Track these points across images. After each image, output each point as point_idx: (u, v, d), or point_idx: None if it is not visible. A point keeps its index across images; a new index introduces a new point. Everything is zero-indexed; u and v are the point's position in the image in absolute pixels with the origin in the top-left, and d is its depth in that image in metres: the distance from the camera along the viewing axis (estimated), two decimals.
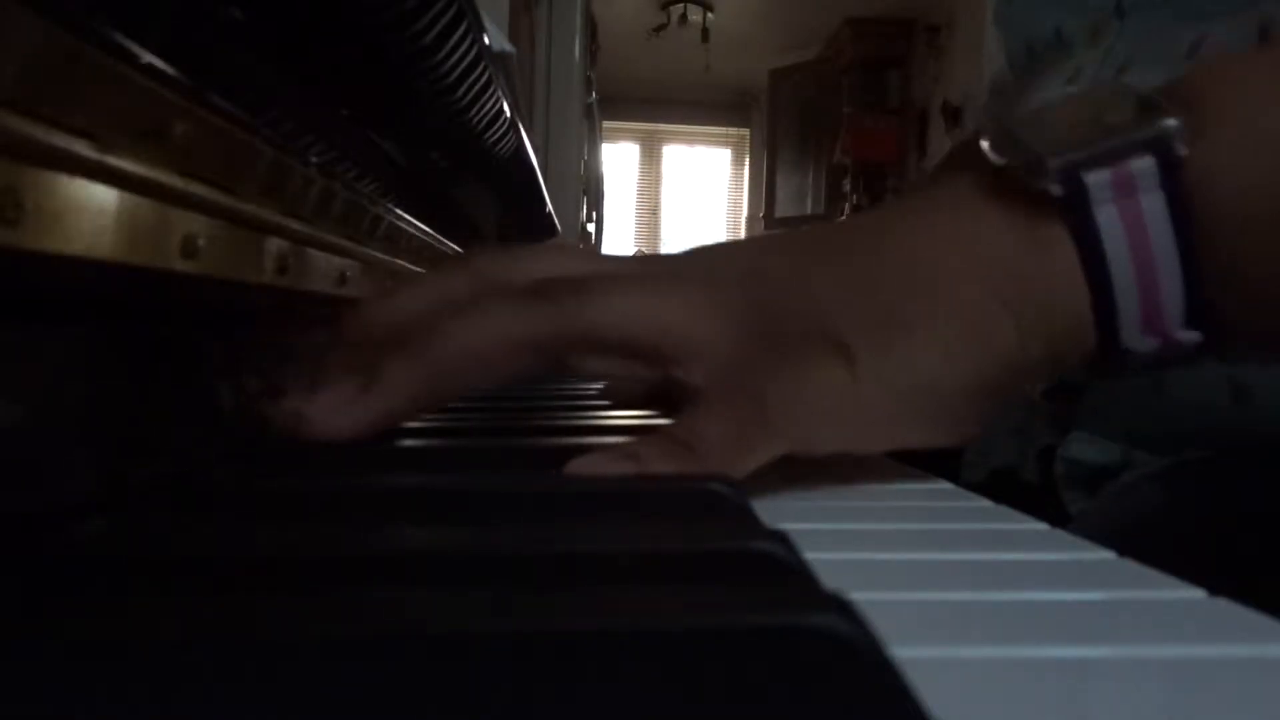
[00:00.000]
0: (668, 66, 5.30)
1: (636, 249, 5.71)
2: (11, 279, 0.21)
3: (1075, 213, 0.25)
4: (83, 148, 0.21)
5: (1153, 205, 0.25)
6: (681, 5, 4.73)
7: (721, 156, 6.36)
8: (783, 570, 0.17)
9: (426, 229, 0.58)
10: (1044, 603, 0.17)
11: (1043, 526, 0.23)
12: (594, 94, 3.63)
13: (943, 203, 0.28)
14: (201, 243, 0.28)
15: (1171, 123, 0.25)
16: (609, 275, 0.28)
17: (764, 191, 5.70)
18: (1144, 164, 0.25)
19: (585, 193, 3.43)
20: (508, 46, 0.99)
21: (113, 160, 0.23)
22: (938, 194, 0.28)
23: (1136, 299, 0.25)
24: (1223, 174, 0.25)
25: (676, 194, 6.36)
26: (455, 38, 0.53)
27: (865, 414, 0.26)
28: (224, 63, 0.38)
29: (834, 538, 0.21)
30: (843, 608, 0.13)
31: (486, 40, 0.60)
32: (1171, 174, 0.24)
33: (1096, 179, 0.25)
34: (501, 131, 0.75)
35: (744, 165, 6.29)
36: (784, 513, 0.23)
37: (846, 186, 4.95)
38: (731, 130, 6.23)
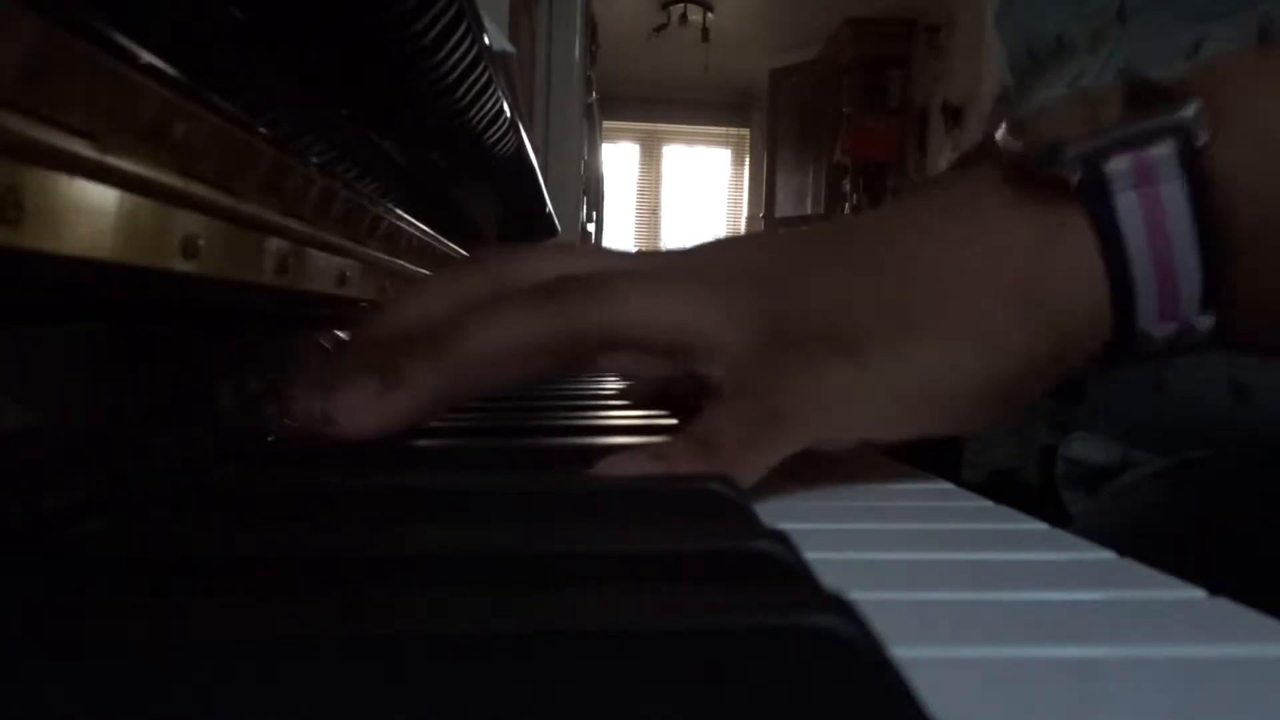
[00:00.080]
0: (668, 66, 5.30)
1: (637, 249, 5.71)
2: (11, 279, 0.21)
3: (1094, 200, 0.25)
4: (83, 148, 0.21)
5: (1172, 192, 0.25)
6: (681, 5, 4.73)
7: (721, 156, 6.36)
8: (783, 570, 0.17)
9: (426, 229, 0.58)
10: (1044, 603, 0.17)
11: (1043, 526, 0.23)
12: (594, 94, 3.63)
13: (955, 198, 0.28)
14: (201, 243, 0.28)
15: (1192, 110, 0.25)
16: (624, 272, 0.28)
17: (764, 191, 5.70)
18: (1164, 150, 0.25)
19: (585, 193, 3.43)
20: (508, 46, 0.99)
21: (113, 160, 0.23)
22: (949, 189, 0.28)
23: (1154, 285, 0.25)
24: (1231, 171, 0.25)
25: (676, 194, 6.36)
26: (455, 38, 0.53)
27: (878, 411, 0.26)
28: (224, 63, 0.38)
29: (834, 538, 0.21)
30: (843, 608, 0.13)
31: (486, 40, 0.60)
32: (1190, 161, 0.25)
33: (1116, 165, 0.25)
34: (501, 131, 0.75)
35: (744, 165, 6.29)
36: (784, 513, 0.23)
37: (846, 186, 4.95)
38: (731, 130, 6.23)
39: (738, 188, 6.35)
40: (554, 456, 0.31)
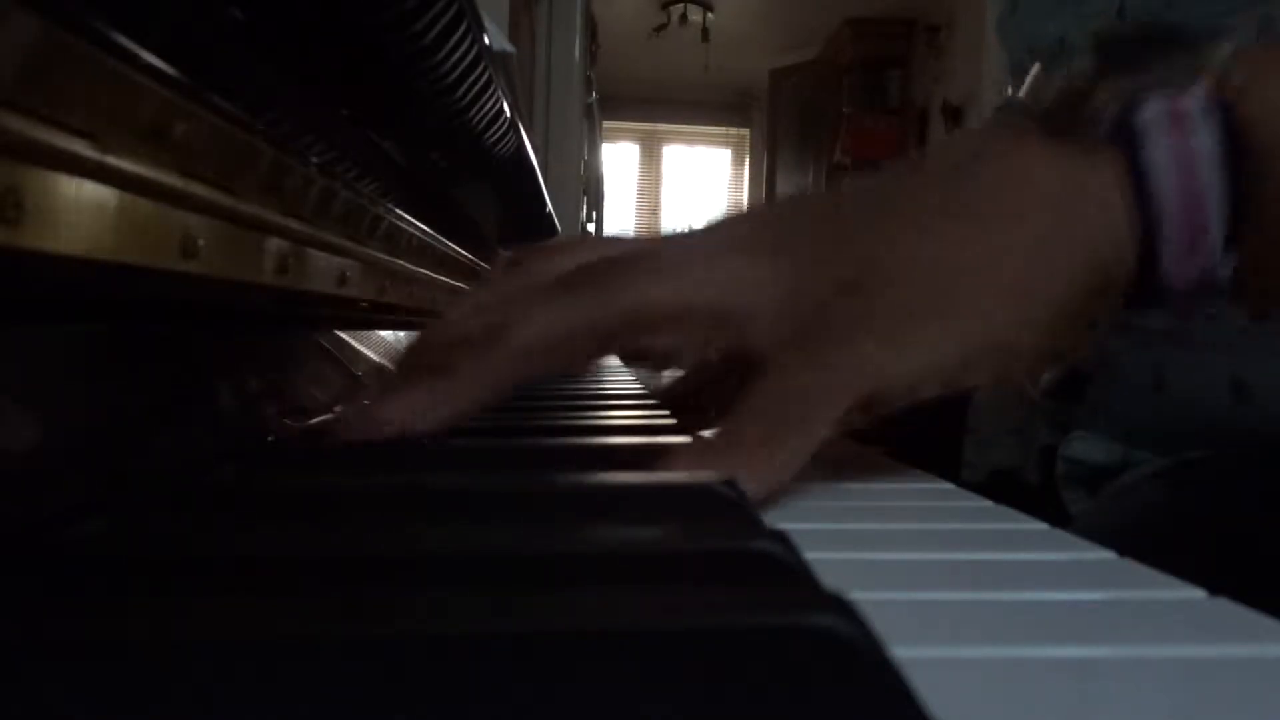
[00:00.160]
0: (668, 66, 5.30)
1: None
2: (11, 279, 0.21)
3: (1125, 143, 0.25)
4: (83, 148, 0.21)
5: (1202, 138, 0.25)
6: (681, 5, 4.72)
7: (721, 156, 6.36)
8: (783, 570, 0.17)
9: (426, 229, 0.58)
10: (1044, 603, 0.17)
11: (1043, 526, 0.23)
12: (594, 94, 3.63)
13: (986, 148, 0.28)
14: (201, 243, 0.28)
15: (1227, 56, 0.25)
16: (654, 252, 0.28)
17: (764, 191, 5.70)
18: (1197, 98, 0.25)
19: (585, 193, 3.43)
20: (508, 46, 0.99)
21: (113, 160, 0.23)
22: (979, 140, 0.29)
23: (1179, 229, 0.26)
24: (1261, 120, 0.25)
25: (676, 194, 6.36)
26: (455, 38, 0.53)
27: (925, 363, 0.26)
28: (224, 63, 0.38)
29: (834, 538, 0.21)
30: (843, 608, 0.13)
31: (486, 40, 0.60)
32: (1222, 108, 0.25)
33: (1149, 110, 0.25)
34: (501, 131, 0.75)
35: (744, 165, 6.29)
36: (784, 513, 0.23)
37: None
38: (731, 130, 6.22)
39: (738, 188, 6.34)
40: (554, 456, 0.31)
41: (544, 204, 1.23)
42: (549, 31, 2.65)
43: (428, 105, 0.60)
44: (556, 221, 1.44)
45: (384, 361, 0.58)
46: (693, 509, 0.22)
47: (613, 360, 1.12)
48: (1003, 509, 0.25)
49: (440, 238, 0.63)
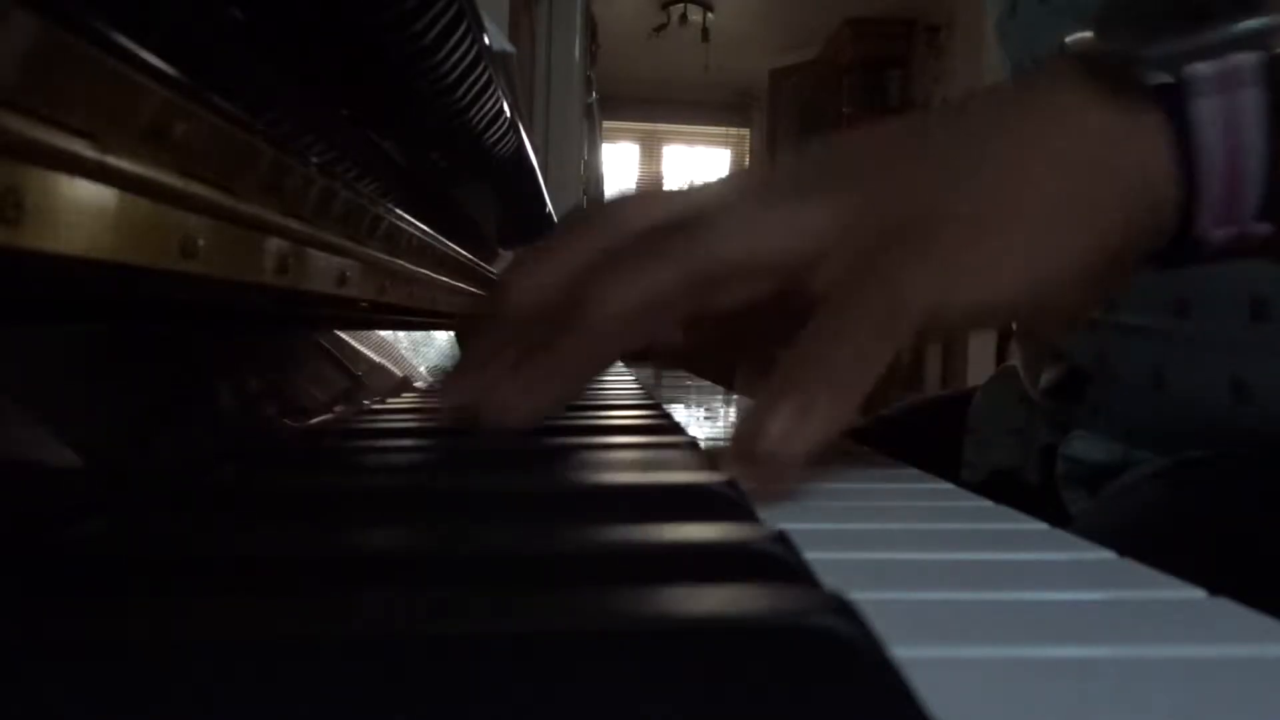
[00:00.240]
0: (668, 66, 5.30)
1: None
2: (11, 279, 0.21)
3: (1174, 103, 0.26)
4: (83, 148, 0.21)
5: (1250, 99, 0.26)
6: (681, 5, 4.72)
7: (721, 156, 6.36)
8: (783, 570, 0.17)
9: (426, 229, 0.58)
10: (1044, 603, 0.17)
11: (1043, 526, 0.23)
12: (594, 94, 3.63)
13: (1037, 92, 0.29)
14: (201, 243, 0.28)
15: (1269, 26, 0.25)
16: (719, 206, 0.28)
17: None
18: (1248, 58, 0.26)
19: (585, 193, 3.43)
20: (508, 46, 0.99)
21: (113, 160, 0.23)
22: (1029, 84, 0.30)
23: (1220, 187, 0.26)
24: None
25: None
26: (455, 38, 0.53)
27: (987, 289, 0.27)
28: (224, 63, 0.38)
29: (834, 538, 0.21)
30: (843, 608, 0.13)
31: (486, 40, 0.60)
32: (1272, 71, 0.25)
33: (1200, 70, 0.26)
34: (501, 131, 0.75)
35: (744, 165, 6.29)
36: (784, 513, 0.23)
37: None
38: (731, 130, 6.22)
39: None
40: (556, 457, 0.31)
41: (544, 204, 1.23)
42: (549, 31, 2.65)
43: (428, 105, 0.60)
44: (557, 221, 1.44)
45: (384, 361, 0.58)
46: (693, 508, 0.22)
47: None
48: (1003, 509, 0.25)
49: (440, 238, 0.63)
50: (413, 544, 0.18)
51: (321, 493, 0.24)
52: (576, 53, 2.73)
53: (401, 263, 0.53)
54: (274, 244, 0.34)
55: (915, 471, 0.32)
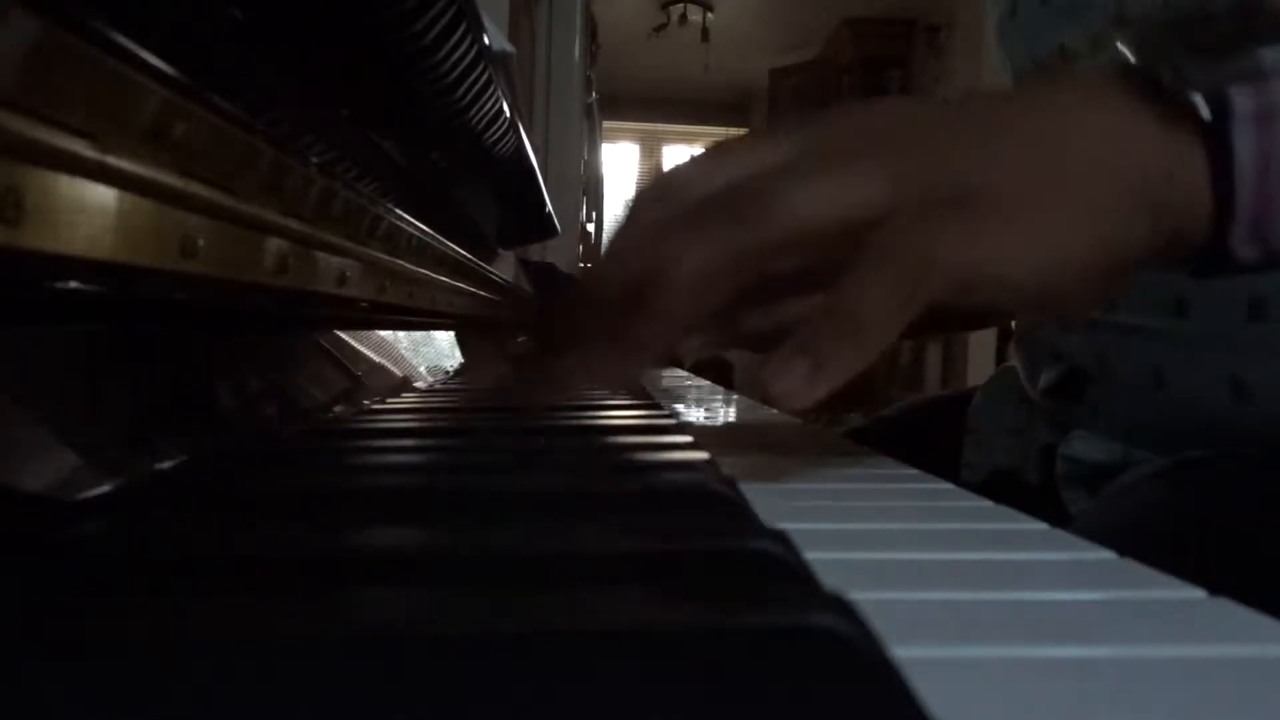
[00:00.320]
0: (668, 66, 5.29)
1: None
2: (11, 279, 0.21)
3: (1215, 128, 0.28)
4: (83, 148, 0.21)
5: None
6: (681, 5, 4.72)
7: None
8: (783, 570, 0.17)
9: (426, 229, 0.58)
10: (1044, 603, 0.17)
11: (1043, 526, 0.23)
12: (594, 94, 3.62)
13: (1086, 90, 0.30)
14: (201, 243, 0.28)
15: None
16: (782, 170, 0.29)
17: None
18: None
19: (585, 193, 3.42)
20: (508, 46, 0.99)
21: (113, 160, 0.23)
22: (1080, 83, 0.31)
23: (1251, 211, 0.28)
24: None
25: None
26: (455, 38, 0.53)
27: (1017, 266, 0.28)
28: (224, 63, 0.38)
29: (834, 538, 0.21)
30: (843, 608, 0.13)
31: (486, 40, 0.60)
32: None
33: (1239, 98, 0.27)
34: (501, 131, 0.75)
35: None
36: (784, 513, 0.23)
37: None
38: (731, 130, 6.22)
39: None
40: (555, 456, 0.31)
41: (544, 204, 1.23)
42: (549, 31, 2.65)
43: (428, 105, 0.60)
44: (556, 221, 1.44)
45: (384, 361, 0.58)
46: (692, 508, 0.22)
47: None
48: (1003, 509, 0.25)
49: (440, 238, 0.63)
50: (412, 544, 0.18)
51: (321, 493, 0.24)
52: (576, 53, 2.73)
53: (401, 263, 0.53)
54: (274, 244, 0.34)
55: (915, 471, 0.32)
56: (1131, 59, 0.30)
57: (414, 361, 0.66)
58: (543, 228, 1.41)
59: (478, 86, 0.62)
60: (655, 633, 0.12)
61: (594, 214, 4.00)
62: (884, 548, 0.20)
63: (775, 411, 0.58)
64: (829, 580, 0.17)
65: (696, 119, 6.16)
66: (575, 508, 0.22)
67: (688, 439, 0.35)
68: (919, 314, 0.28)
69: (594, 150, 3.90)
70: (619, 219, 0.32)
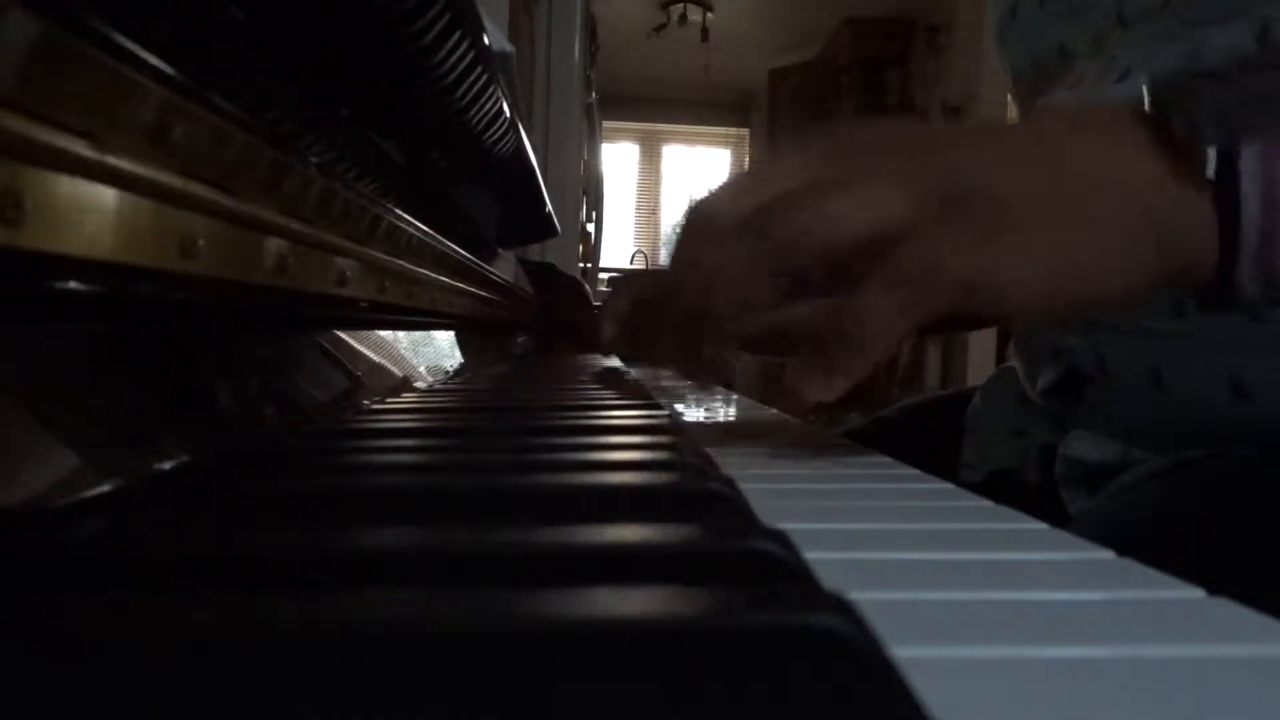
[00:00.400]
0: (668, 66, 5.29)
1: (636, 249, 5.72)
2: (11, 279, 0.21)
3: (1224, 181, 0.30)
4: (83, 148, 0.21)
5: None
6: (681, 5, 4.72)
7: (721, 156, 6.36)
8: (783, 570, 0.17)
9: (426, 229, 0.58)
10: (1044, 603, 0.17)
11: (1043, 526, 0.23)
12: (594, 94, 3.62)
13: (1101, 122, 0.32)
14: (201, 243, 0.28)
15: None
16: (810, 189, 0.31)
17: None
18: None
19: (585, 193, 3.42)
20: (508, 46, 0.99)
21: (113, 160, 0.23)
22: (1098, 126, 0.32)
23: (1256, 254, 0.30)
24: None
25: (676, 194, 6.35)
26: (455, 38, 0.53)
27: (1023, 280, 0.30)
28: (224, 63, 0.38)
29: (834, 538, 0.21)
30: (843, 608, 0.13)
31: (486, 40, 0.60)
32: None
33: (1248, 155, 0.29)
34: (501, 131, 0.76)
35: (744, 165, 6.28)
36: (784, 513, 0.23)
37: None
38: (731, 130, 6.22)
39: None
40: (555, 456, 0.31)
41: (543, 204, 1.23)
42: (549, 31, 2.65)
43: (427, 105, 0.60)
44: (556, 221, 1.44)
45: (384, 361, 0.58)
46: (692, 508, 0.22)
47: (613, 360, 1.12)
48: (1003, 509, 0.25)
49: (439, 238, 0.63)
50: (412, 544, 0.18)
51: (321, 493, 0.24)
52: (576, 53, 2.73)
53: (401, 263, 0.53)
54: (274, 244, 0.34)
55: (915, 471, 0.32)
56: (1146, 103, 0.32)
57: (414, 361, 0.66)
58: (543, 228, 1.41)
59: (477, 87, 0.62)
60: (655, 632, 0.12)
61: (594, 214, 4.00)
62: (884, 548, 0.20)
63: (775, 411, 0.58)
64: (829, 580, 0.17)
65: (696, 119, 6.16)
66: (575, 507, 0.22)
67: (688, 439, 0.35)
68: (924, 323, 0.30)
69: (594, 150, 3.90)
70: (670, 239, 0.37)
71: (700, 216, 0.35)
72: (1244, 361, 0.40)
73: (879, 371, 0.33)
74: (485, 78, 0.62)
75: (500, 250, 1.21)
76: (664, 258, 0.37)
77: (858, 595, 0.15)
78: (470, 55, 0.57)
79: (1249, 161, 0.29)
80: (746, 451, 0.35)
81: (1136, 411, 0.46)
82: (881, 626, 0.14)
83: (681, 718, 0.11)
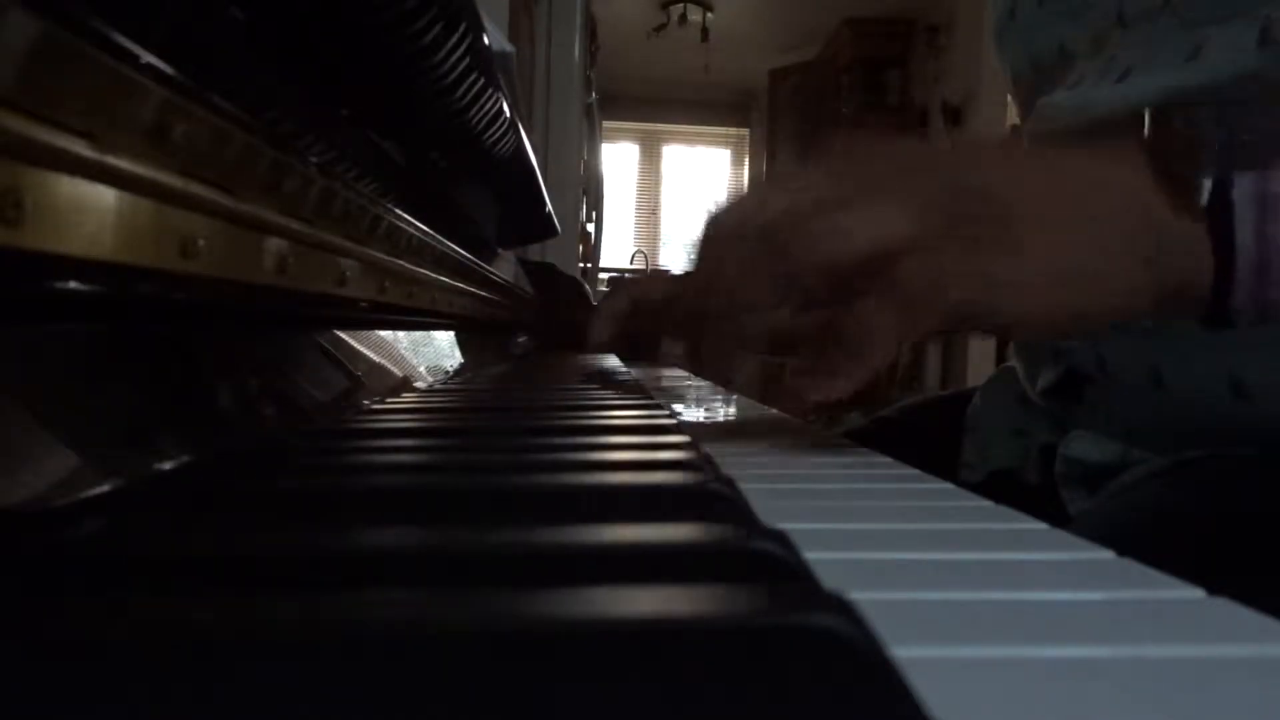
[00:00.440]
0: (668, 66, 5.29)
1: (636, 249, 5.71)
2: (11, 279, 0.21)
3: (1217, 210, 0.30)
4: (83, 148, 0.21)
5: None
6: (681, 5, 4.72)
7: (721, 157, 6.35)
8: (783, 570, 0.17)
9: (426, 229, 0.58)
10: (1044, 603, 0.17)
11: (1043, 526, 0.23)
12: (594, 94, 3.62)
13: (1101, 151, 0.33)
14: (201, 243, 0.28)
15: None
16: (815, 207, 0.32)
17: None
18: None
19: (585, 193, 3.42)
20: (508, 46, 0.99)
21: (113, 160, 0.23)
22: (1102, 159, 0.33)
23: (1251, 284, 0.31)
24: None
25: (676, 194, 6.35)
26: (455, 38, 0.53)
27: (1021, 296, 0.31)
28: (224, 63, 0.38)
29: (834, 538, 0.21)
30: (843, 608, 0.13)
31: (486, 40, 0.60)
32: None
33: (1240, 192, 0.30)
34: (501, 131, 0.76)
35: (744, 165, 6.28)
36: (784, 513, 0.23)
37: None
38: (731, 130, 6.22)
39: (738, 188, 6.32)
40: (554, 456, 0.31)
41: (543, 204, 1.23)
42: (549, 31, 2.65)
43: (428, 105, 0.60)
44: (556, 221, 1.44)
45: (384, 361, 0.58)
46: (692, 508, 0.22)
47: (612, 360, 1.12)
48: (1003, 509, 0.25)
49: (439, 238, 0.63)
50: (412, 544, 0.18)
51: (321, 493, 0.24)
52: (576, 53, 2.73)
53: (401, 263, 0.53)
54: (274, 244, 0.34)
55: (915, 471, 0.32)
56: (1147, 127, 0.33)
57: (414, 361, 0.66)
58: (543, 228, 1.41)
59: (477, 87, 0.62)
60: (655, 632, 0.13)
61: (594, 214, 4.00)
62: (884, 548, 0.20)
63: (774, 411, 0.58)
64: (829, 580, 0.17)
65: (696, 119, 6.16)
66: (575, 507, 0.22)
67: (687, 439, 0.35)
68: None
69: (594, 150, 3.90)
70: (690, 250, 0.38)
71: (716, 228, 0.36)
72: (1244, 361, 0.40)
73: (879, 373, 0.33)
74: (485, 78, 0.62)
75: (500, 250, 1.21)
76: (662, 260, 0.40)
77: (858, 595, 0.15)
78: (470, 55, 0.57)
79: (1242, 193, 0.30)
80: (746, 451, 0.35)
81: (1136, 411, 0.46)
82: (881, 626, 0.14)
83: (682, 718, 0.11)
